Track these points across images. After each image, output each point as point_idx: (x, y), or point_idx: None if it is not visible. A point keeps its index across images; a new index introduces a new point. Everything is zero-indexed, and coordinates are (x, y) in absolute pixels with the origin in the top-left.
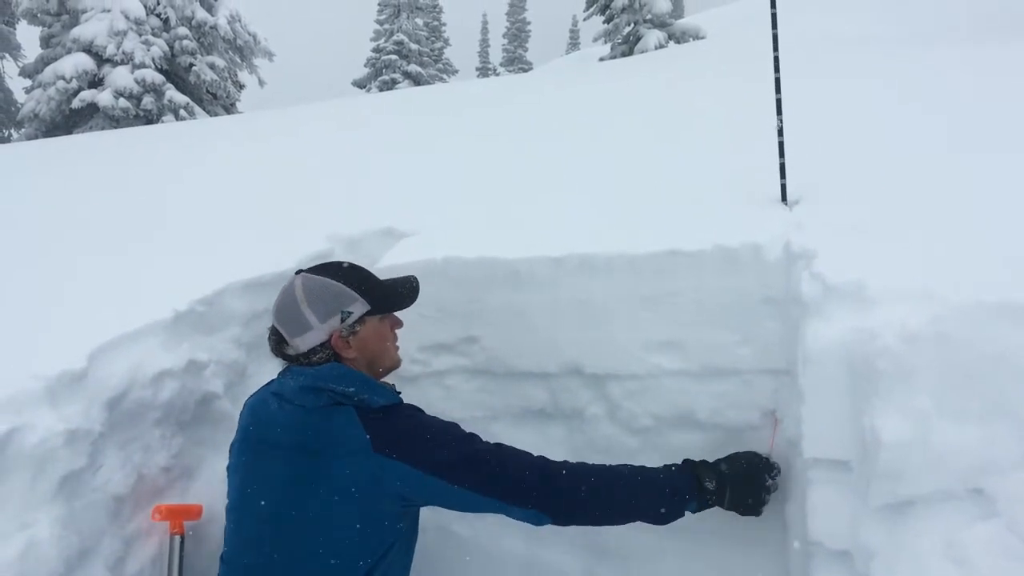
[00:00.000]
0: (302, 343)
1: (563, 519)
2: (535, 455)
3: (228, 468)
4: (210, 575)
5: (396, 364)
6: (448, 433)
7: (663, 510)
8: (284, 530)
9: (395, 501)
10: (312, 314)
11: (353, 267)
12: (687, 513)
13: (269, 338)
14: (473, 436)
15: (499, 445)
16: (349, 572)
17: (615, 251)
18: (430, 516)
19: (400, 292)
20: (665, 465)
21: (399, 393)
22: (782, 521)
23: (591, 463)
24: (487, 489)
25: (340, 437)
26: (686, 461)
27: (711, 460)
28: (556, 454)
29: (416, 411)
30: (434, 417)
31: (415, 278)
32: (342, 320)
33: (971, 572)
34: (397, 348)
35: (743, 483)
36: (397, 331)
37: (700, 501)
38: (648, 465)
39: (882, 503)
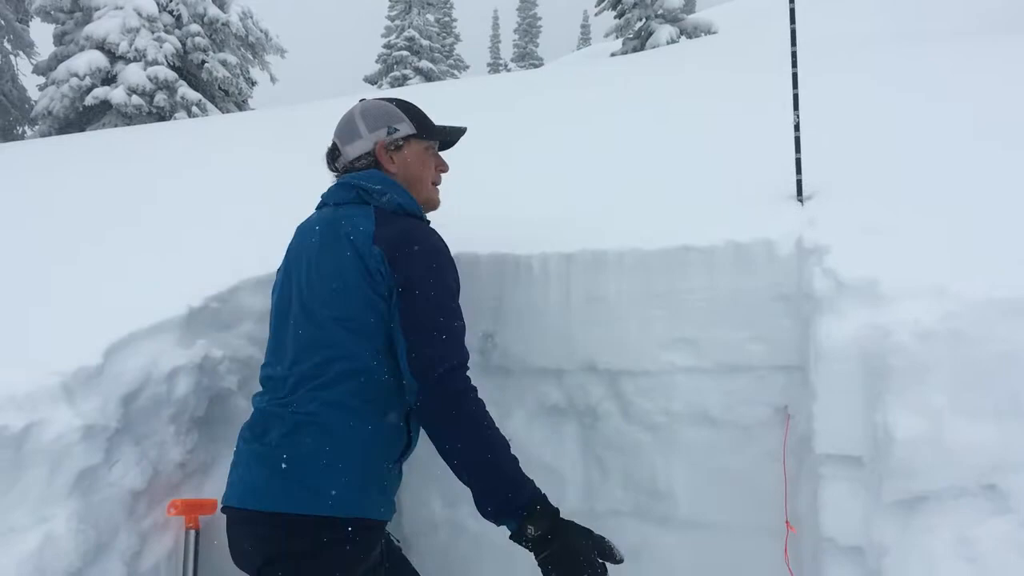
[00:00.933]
0: (351, 150)
1: (426, 417)
2: (464, 373)
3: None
4: (225, 569)
5: (433, 201)
6: (439, 278)
7: (490, 508)
8: (310, 315)
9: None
10: (363, 124)
11: (408, 102)
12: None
13: (326, 152)
14: (453, 308)
15: (459, 325)
16: (362, 363)
17: (626, 247)
18: (443, 514)
19: (445, 128)
20: (534, 484)
21: (428, 223)
22: (794, 516)
23: (497, 430)
24: (412, 340)
25: (355, 228)
26: (546, 506)
27: (576, 523)
28: (570, 451)
29: (431, 235)
30: (442, 255)
31: (465, 129)
32: (388, 134)
33: (983, 568)
34: (438, 190)
35: (561, 562)
36: (443, 175)
37: (517, 533)
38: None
39: (895, 499)
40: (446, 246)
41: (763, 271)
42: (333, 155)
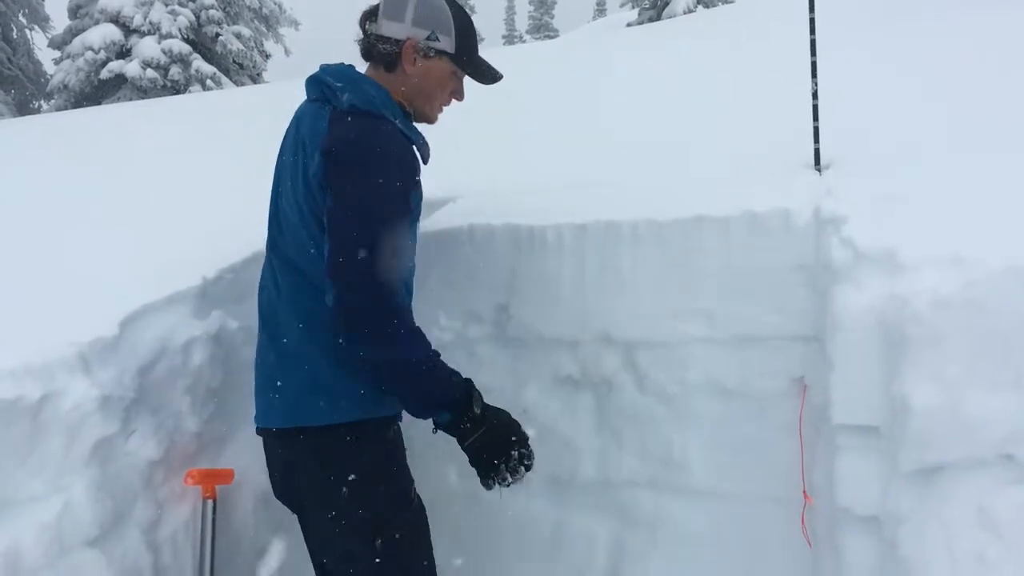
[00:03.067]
0: (386, 28)
1: (342, 326)
2: (397, 297)
3: None
4: (242, 539)
5: (431, 118)
6: (375, 182)
7: (420, 404)
8: (284, 222)
9: None
10: (412, 11)
11: (467, 17)
12: (436, 424)
13: (364, 12)
14: (385, 219)
15: (390, 237)
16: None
17: (641, 217)
18: (459, 485)
19: (483, 65)
20: (457, 374)
21: (392, 121)
22: (810, 486)
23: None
24: (331, 247)
25: (314, 132)
26: (468, 381)
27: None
28: (585, 422)
29: (378, 134)
30: (387, 159)
31: (502, 75)
32: (427, 38)
33: (1001, 537)
34: (441, 110)
35: (494, 436)
36: (454, 100)
37: (455, 417)
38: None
39: (911, 469)
40: (402, 150)
41: (780, 241)
42: (369, 17)
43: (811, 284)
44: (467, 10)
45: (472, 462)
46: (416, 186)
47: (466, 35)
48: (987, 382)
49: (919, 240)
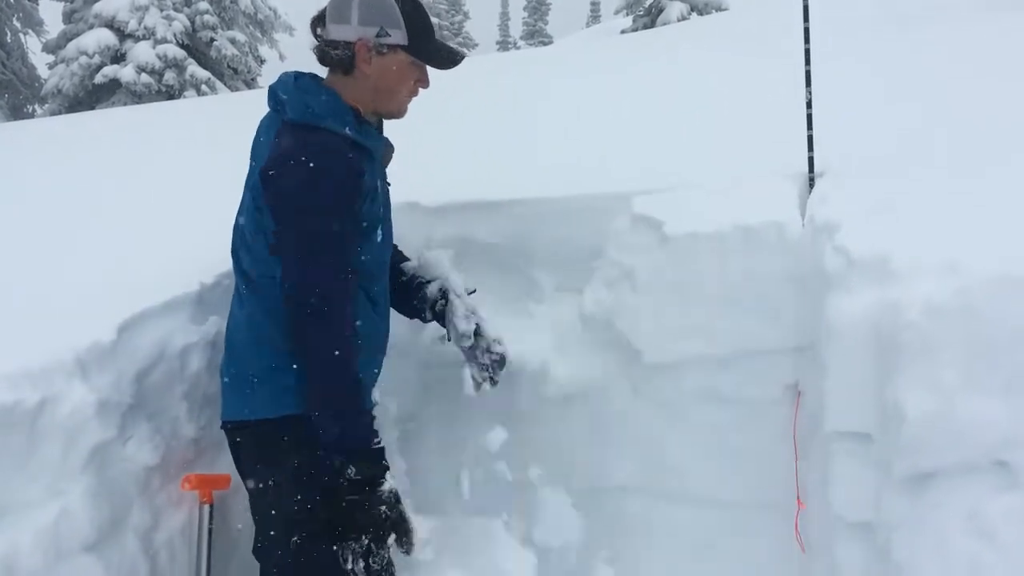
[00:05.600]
0: (334, 31)
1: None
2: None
3: None
4: (239, 544)
5: (399, 113)
6: (308, 196)
7: (325, 438)
8: (242, 240)
9: None
10: (357, 12)
11: (419, 8)
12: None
13: (312, 18)
14: (322, 231)
15: (330, 248)
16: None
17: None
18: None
19: (442, 50)
20: (369, 425)
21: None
22: (804, 492)
23: (354, 342)
24: (283, 267)
25: (264, 145)
26: (379, 449)
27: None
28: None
29: (311, 146)
30: (316, 172)
31: (464, 55)
32: (377, 35)
33: (994, 543)
34: (408, 102)
35: (378, 502)
36: (420, 90)
37: (338, 470)
38: None
39: (905, 475)
40: (335, 159)
41: (774, 253)
42: (317, 23)
43: (806, 293)
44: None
45: (345, 520)
46: (355, 195)
47: (417, 23)
48: (980, 389)
49: (912, 248)
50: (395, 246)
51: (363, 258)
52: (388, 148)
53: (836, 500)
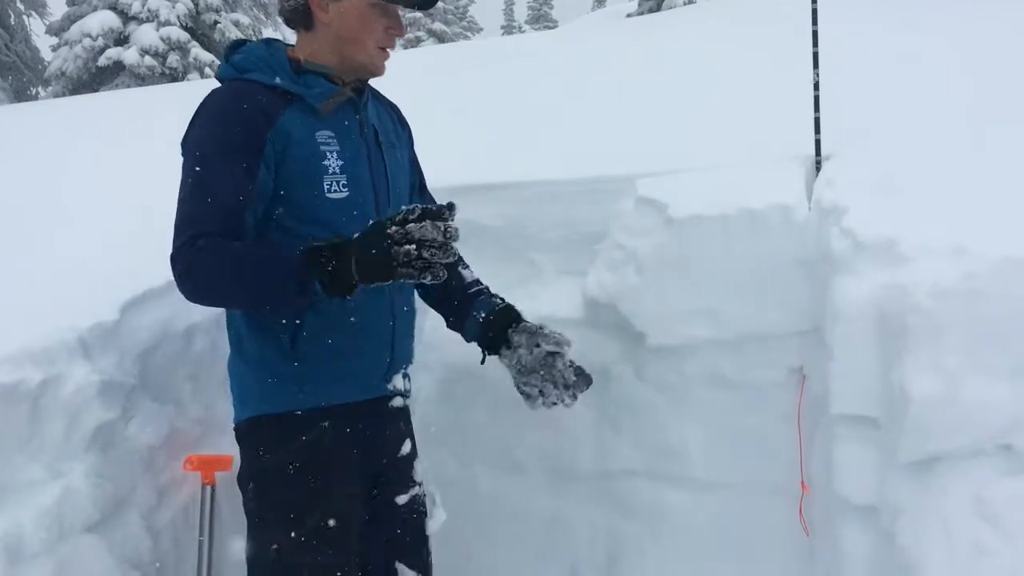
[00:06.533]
0: None
1: (187, 289)
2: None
3: None
4: (241, 525)
5: (372, 67)
6: (192, 141)
7: (286, 294)
8: None
9: None
10: None
11: None
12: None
13: None
14: (195, 176)
15: (197, 194)
16: None
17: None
18: (457, 474)
19: None
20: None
21: (308, 82)
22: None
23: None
24: None
25: None
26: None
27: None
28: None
29: (211, 96)
30: (206, 113)
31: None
32: None
33: (999, 527)
34: (386, 55)
35: (373, 239)
36: (396, 39)
37: (322, 277)
38: None
39: (910, 459)
40: (228, 101)
41: (780, 236)
42: None
43: (812, 276)
44: None
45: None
46: (248, 140)
47: None
48: (986, 372)
49: (919, 231)
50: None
51: (285, 211)
52: (331, 96)
53: (841, 484)
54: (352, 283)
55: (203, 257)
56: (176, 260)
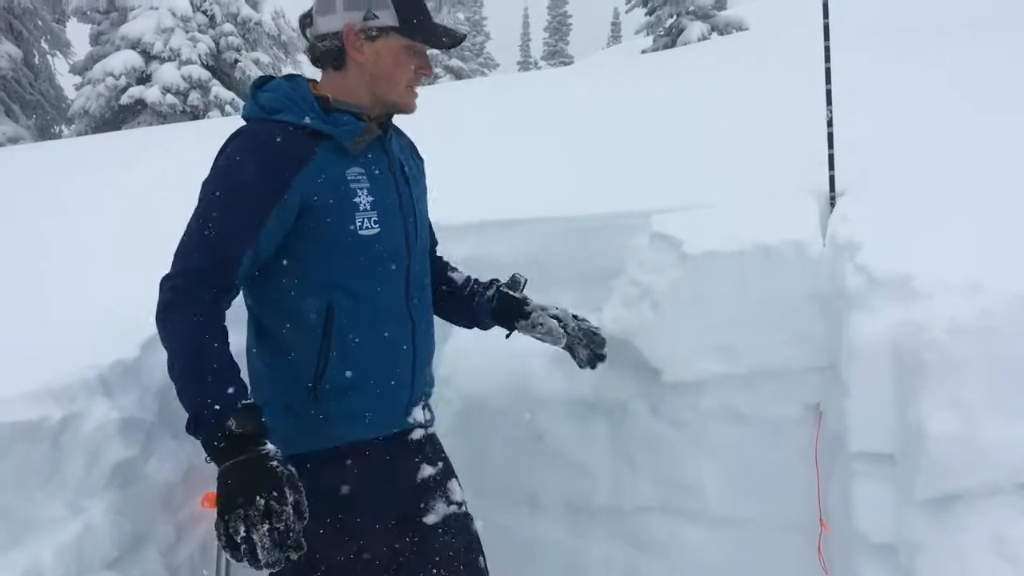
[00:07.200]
0: (321, 23)
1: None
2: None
3: None
4: None
5: (404, 105)
6: (209, 181)
7: (187, 407)
8: None
9: None
10: None
11: None
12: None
13: (300, 16)
14: (205, 214)
15: (202, 230)
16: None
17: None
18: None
19: (437, 29)
20: (227, 396)
21: (338, 121)
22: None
23: (209, 322)
24: None
25: None
26: (242, 411)
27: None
28: (599, 447)
29: (237, 136)
30: (227, 156)
31: (464, 34)
32: (364, 19)
33: (1018, 566)
34: (415, 93)
35: (250, 467)
36: (424, 78)
37: (206, 442)
38: None
39: (928, 497)
40: (251, 145)
41: (794, 272)
42: (305, 22)
43: (827, 312)
44: None
45: (217, 499)
46: (273, 183)
47: (408, 3)
48: (1004, 410)
49: (934, 267)
50: (439, 257)
51: (312, 247)
52: (362, 135)
53: (859, 521)
54: (215, 452)
55: (176, 314)
56: (161, 288)
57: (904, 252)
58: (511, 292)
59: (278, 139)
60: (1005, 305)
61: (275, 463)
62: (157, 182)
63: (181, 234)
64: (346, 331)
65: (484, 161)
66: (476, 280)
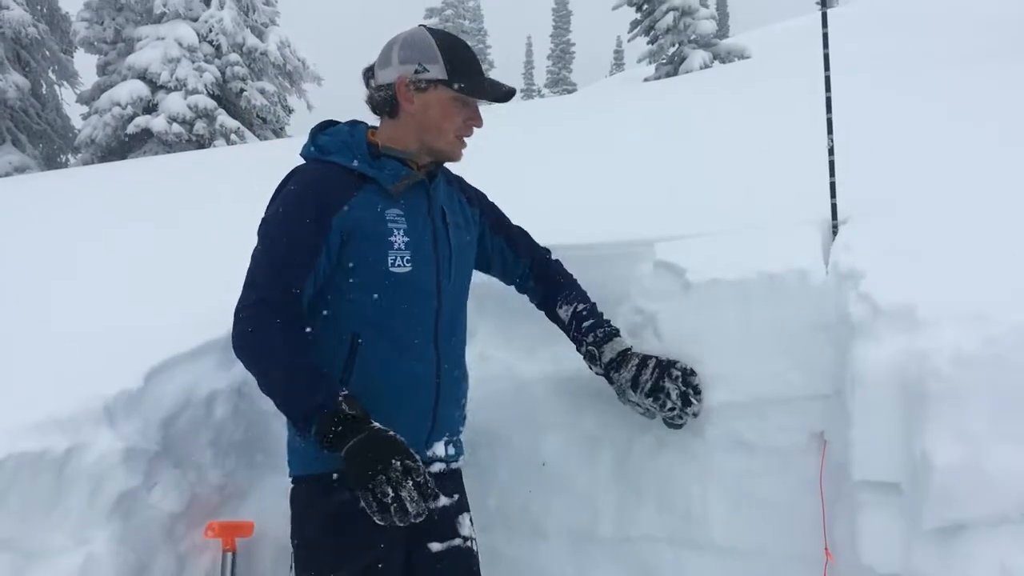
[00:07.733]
0: (380, 76)
1: (235, 348)
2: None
3: None
4: None
5: (450, 154)
6: (267, 217)
7: (288, 414)
8: None
9: None
10: (397, 53)
11: (458, 43)
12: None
13: (364, 69)
14: (265, 247)
15: (265, 263)
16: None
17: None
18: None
19: (485, 83)
20: (329, 388)
21: (384, 165)
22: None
23: (289, 338)
24: None
25: None
26: (346, 399)
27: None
28: (603, 476)
29: (291, 176)
30: (283, 195)
31: (512, 90)
32: (415, 72)
33: None
34: (463, 143)
35: (375, 440)
36: (475, 129)
37: (321, 433)
38: None
39: (934, 527)
40: (305, 183)
41: (798, 300)
42: (368, 74)
43: (831, 341)
44: (459, 37)
45: (347, 474)
46: (316, 217)
47: (457, 58)
48: (1009, 438)
49: (939, 295)
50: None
51: (351, 281)
52: (405, 178)
53: (865, 551)
54: (336, 454)
55: (257, 337)
56: (238, 319)
57: (907, 280)
58: (591, 366)
59: (323, 180)
60: (1010, 334)
61: (391, 432)
62: (162, 213)
63: (248, 266)
64: (368, 362)
65: (487, 189)
66: (581, 324)
